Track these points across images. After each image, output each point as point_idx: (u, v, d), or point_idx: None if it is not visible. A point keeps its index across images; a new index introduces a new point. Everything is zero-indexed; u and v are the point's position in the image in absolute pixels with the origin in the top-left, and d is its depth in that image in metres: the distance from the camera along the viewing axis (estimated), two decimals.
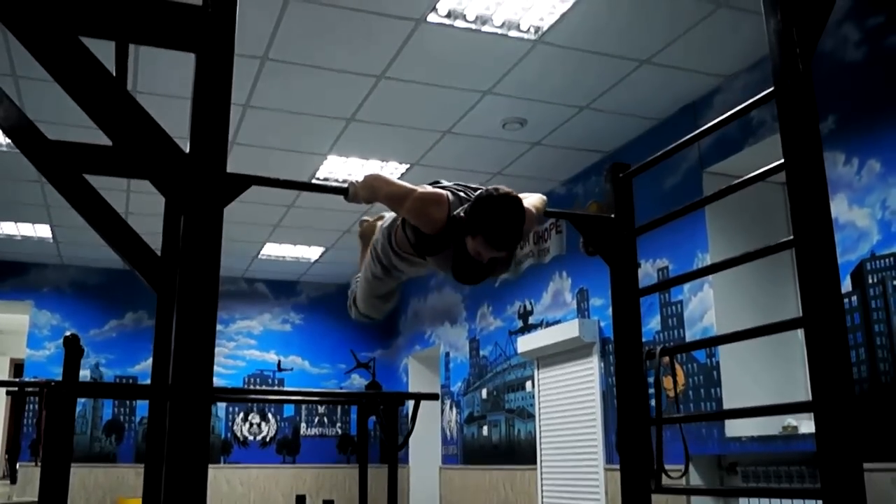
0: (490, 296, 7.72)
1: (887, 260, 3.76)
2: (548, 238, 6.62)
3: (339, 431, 9.98)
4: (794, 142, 2.06)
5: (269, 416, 9.77)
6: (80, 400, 8.36)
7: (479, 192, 2.55)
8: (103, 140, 2.15)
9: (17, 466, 5.04)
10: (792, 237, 2.07)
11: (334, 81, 4.94)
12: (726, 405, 4.66)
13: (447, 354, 8.74)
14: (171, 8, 2.00)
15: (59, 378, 3.54)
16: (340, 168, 6.35)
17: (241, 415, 9.67)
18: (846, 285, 3.90)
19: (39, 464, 3.72)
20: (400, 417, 5.25)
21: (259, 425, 9.71)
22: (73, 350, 3.47)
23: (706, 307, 4.91)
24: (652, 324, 5.33)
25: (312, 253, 8.93)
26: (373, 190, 2.66)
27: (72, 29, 1.92)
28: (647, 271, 5.34)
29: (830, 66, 4.08)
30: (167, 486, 1.76)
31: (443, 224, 2.57)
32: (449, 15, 4.23)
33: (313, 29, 4.37)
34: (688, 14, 4.22)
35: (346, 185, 2.71)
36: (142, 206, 6.88)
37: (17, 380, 6.66)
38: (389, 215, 3.02)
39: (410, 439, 5.41)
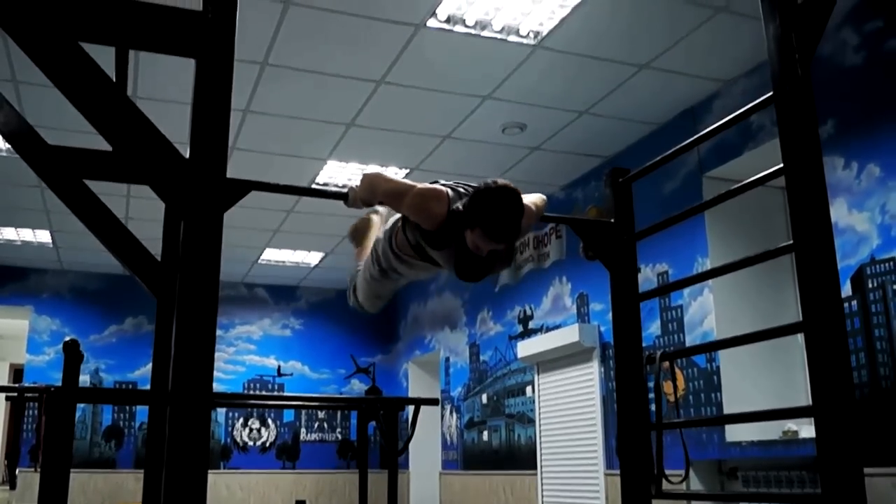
0: (490, 301, 7.72)
1: (887, 264, 3.76)
2: (547, 243, 6.61)
3: (339, 437, 9.97)
4: (794, 146, 2.06)
5: (269, 421, 9.76)
6: (80, 405, 8.38)
7: (477, 185, 2.56)
8: (103, 145, 2.15)
9: (17, 472, 5.03)
10: (792, 242, 2.08)
11: (334, 86, 4.95)
12: (726, 410, 4.66)
13: (447, 359, 8.73)
14: (171, 13, 2.00)
15: (59, 383, 3.54)
16: (340, 173, 6.35)
17: (241, 420, 9.66)
18: (846, 290, 3.90)
19: (39, 469, 3.71)
20: (400, 423, 5.25)
21: (259, 430, 9.70)
22: (72, 355, 3.47)
23: (706, 312, 4.91)
24: (652, 328, 5.33)
25: (312, 258, 8.93)
26: (372, 188, 2.66)
27: (72, 34, 1.92)
28: (647, 276, 5.34)
29: (829, 71, 4.09)
30: (167, 491, 1.75)
31: (443, 219, 2.57)
32: (448, 20, 4.24)
33: (313, 34, 4.37)
34: (687, 19, 4.22)
35: (345, 190, 2.71)
36: (142, 211, 6.88)
37: (16, 385, 6.64)
38: (383, 210, 3.02)
39: (410, 444, 5.41)
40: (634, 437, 2.77)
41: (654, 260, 5.36)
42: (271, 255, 8.79)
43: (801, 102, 2.06)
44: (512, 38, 4.40)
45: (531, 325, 6.94)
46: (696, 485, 4.73)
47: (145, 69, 4.67)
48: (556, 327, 6.45)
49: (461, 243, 2.58)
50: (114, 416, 9.17)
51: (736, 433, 4.57)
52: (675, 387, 3.44)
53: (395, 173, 6.30)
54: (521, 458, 6.93)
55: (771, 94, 2.17)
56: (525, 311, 7.07)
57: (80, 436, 8.81)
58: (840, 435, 1.88)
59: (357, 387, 10.17)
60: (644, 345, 2.98)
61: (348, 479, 9.62)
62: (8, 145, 5.39)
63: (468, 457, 8.07)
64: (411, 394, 9.44)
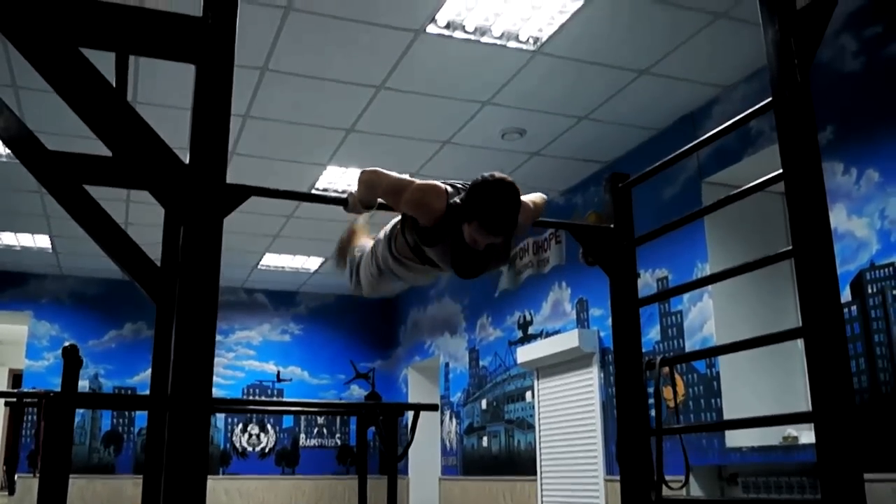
0: (489, 306, 7.71)
1: (887, 270, 3.76)
2: (547, 248, 6.62)
3: (339, 442, 9.95)
4: (793, 152, 2.06)
5: (269, 426, 9.74)
6: (79, 411, 8.35)
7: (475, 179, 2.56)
8: (103, 151, 2.16)
9: (16, 478, 5.01)
10: (791, 247, 2.08)
11: (334, 92, 4.95)
12: (726, 415, 4.66)
13: (447, 365, 8.73)
14: (171, 19, 2.00)
15: (58, 389, 3.53)
16: (340, 178, 6.36)
17: (240, 426, 9.64)
18: (846, 295, 3.90)
19: (38, 475, 3.70)
20: (399, 428, 5.24)
21: (258, 436, 9.68)
22: (71, 361, 3.46)
23: (706, 317, 4.91)
24: (651, 334, 5.33)
25: (312, 263, 8.93)
26: (371, 186, 2.66)
27: (72, 40, 1.92)
28: (647, 281, 5.34)
29: (828, 76, 4.09)
30: (166, 497, 1.75)
31: (441, 213, 2.58)
32: (448, 26, 4.25)
33: (313, 40, 4.38)
34: (686, 25, 4.23)
35: (345, 196, 2.71)
36: (141, 216, 6.88)
37: (15, 390, 6.62)
38: (364, 220, 3.06)
39: (410, 450, 5.40)
40: (634, 442, 2.77)
41: (653, 265, 5.36)
42: (271, 260, 8.79)
43: (801, 108, 2.06)
44: (511, 43, 4.40)
45: (531, 330, 6.94)
46: (696, 491, 4.72)
47: (145, 74, 4.68)
48: (556, 333, 6.44)
49: (458, 238, 2.58)
50: (113, 422, 9.15)
51: (736, 439, 4.57)
52: (675, 392, 3.43)
53: None
54: (521, 463, 6.92)
55: (770, 99, 2.18)
56: (525, 317, 7.06)
57: (79, 441, 8.80)
58: (840, 440, 1.88)
59: (356, 392, 10.16)
60: (644, 350, 2.97)
61: (348, 485, 9.60)
62: (8, 150, 5.39)
63: (468, 462, 8.06)
64: (411, 399, 9.44)
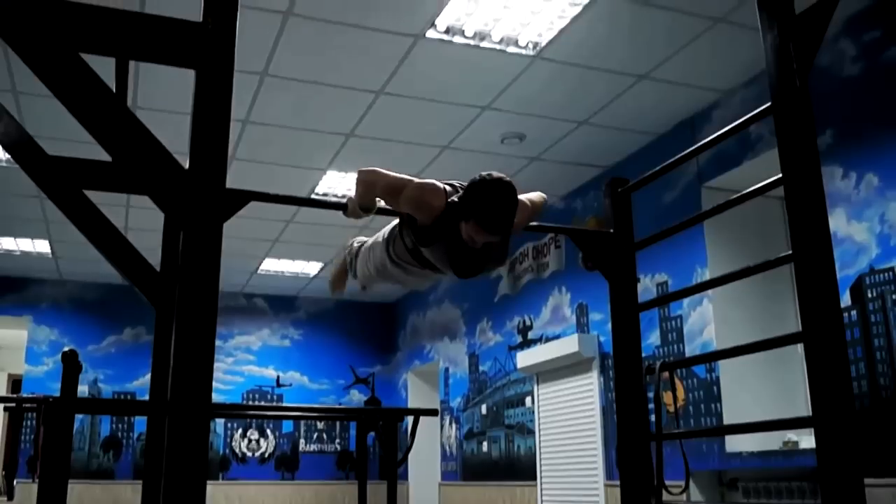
0: (489, 311, 7.71)
1: (886, 274, 3.76)
2: (547, 253, 6.62)
3: (339, 447, 9.94)
4: (792, 156, 2.06)
5: (268, 432, 9.73)
6: (78, 416, 8.35)
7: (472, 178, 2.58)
8: (103, 156, 2.16)
9: (15, 483, 5.01)
10: (791, 252, 2.08)
11: (333, 97, 4.96)
12: (726, 420, 4.65)
13: (446, 370, 8.72)
14: (170, 24, 2.01)
15: (58, 394, 3.53)
16: (339, 183, 6.36)
17: (240, 431, 9.63)
18: (845, 300, 3.90)
19: (37, 480, 3.70)
20: (399, 433, 5.23)
21: (258, 441, 9.67)
22: (71, 366, 3.46)
23: (706, 322, 4.91)
24: (651, 339, 5.32)
25: (311, 268, 8.93)
26: (369, 184, 2.67)
27: (72, 45, 1.92)
28: (647, 286, 5.34)
29: (828, 81, 4.10)
30: (165, 502, 1.75)
31: (440, 212, 2.58)
32: (448, 31, 4.25)
33: (313, 45, 4.39)
34: (686, 29, 4.23)
35: (344, 201, 2.71)
36: (141, 221, 6.88)
37: (14, 395, 6.61)
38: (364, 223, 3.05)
39: (410, 455, 5.39)
40: (634, 447, 2.76)
41: (653, 270, 5.36)
42: (270, 265, 8.79)
43: (800, 112, 2.06)
44: (511, 48, 4.41)
45: (530, 335, 6.94)
46: (696, 495, 4.72)
47: (145, 79, 4.68)
48: (556, 337, 6.44)
49: (456, 237, 2.59)
50: (112, 427, 9.14)
51: (736, 444, 4.56)
52: (675, 397, 3.43)
53: None
54: (521, 468, 6.91)
55: (769, 104, 2.18)
56: (524, 322, 7.06)
57: (78, 446, 8.78)
58: (840, 445, 1.88)
59: (356, 397, 10.15)
60: (643, 355, 2.97)
61: (347, 491, 9.59)
62: (8, 155, 5.39)
63: (468, 468, 8.04)
64: (410, 404, 9.43)
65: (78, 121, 1.95)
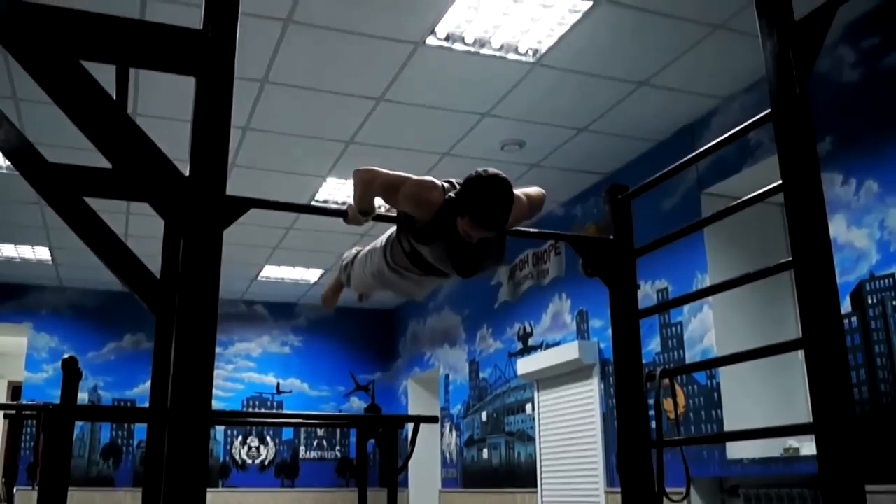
0: (489, 318, 7.71)
1: (886, 280, 3.76)
2: (547, 260, 6.62)
3: (339, 455, 9.92)
4: (792, 163, 2.07)
5: (268, 439, 9.71)
6: (78, 423, 8.33)
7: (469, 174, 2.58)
8: (103, 163, 2.16)
9: (14, 490, 5.00)
10: (791, 258, 2.08)
11: (334, 104, 4.96)
12: (727, 427, 4.64)
13: (447, 377, 8.71)
14: (171, 32, 2.01)
15: (58, 401, 3.52)
16: (339, 190, 6.36)
17: (240, 438, 9.61)
18: (846, 306, 3.90)
19: (37, 488, 3.69)
20: (399, 440, 5.22)
21: (258, 448, 9.65)
22: (71, 373, 3.46)
23: (706, 328, 4.90)
24: (652, 345, 5.32)
25: (311, 275, 8.93)
26: (367, 184, 2.67)
27: (73, 53, 1.93)
28: (647, 293, 5.34)
29: (827, 87, 4.10)
30: None
31: (439, 207, 2.59)
32: (448, 38, 4.26)
33: (313, 52, 4.39)
34: (685, 36, 4.24)
35: (344, 208, 2.72)
36: (141, 228, 6.88)
37: (14, 403, 6.61)
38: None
39: (410, 462, 5.38)
40: (635, 454, 2.76)
41: (653, 276, 5.36)
42: (270, 272, 8.78)
43: (800, 119, 2.07)
44: (511, 55, 4.42)
45: (531, 342, 6.93)
46: (697, 502, 4.71)
47: (146, 87, 4.69)
48: (556, 344, 6.43)
49: (453, 235, 2.59)
50: (112, 434, 9.13)
51: (737, 450, 4.55)
52: (676, 404, 3.42)
53: None
54: (522, 475, 6.90)
55: (769, 110, 2.18)
56: (524, 328, 7.05)
57: (78, 454, 8.77)
58: (841, 452, 1.88)
59: (356, 404, 10.14)
60: (644, 361, 2.97)
61: (347, 498, 9.56)
62: (8, 162, 5.39)
63: (468, 475, 8.03)
64: (411, 411, 9.41)
65: (78, 128, 1.96)
